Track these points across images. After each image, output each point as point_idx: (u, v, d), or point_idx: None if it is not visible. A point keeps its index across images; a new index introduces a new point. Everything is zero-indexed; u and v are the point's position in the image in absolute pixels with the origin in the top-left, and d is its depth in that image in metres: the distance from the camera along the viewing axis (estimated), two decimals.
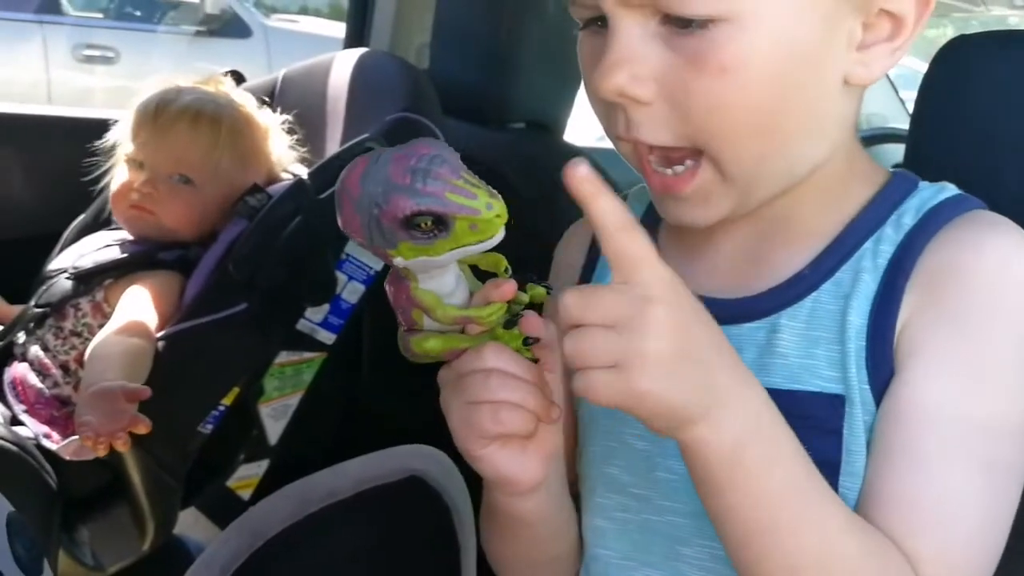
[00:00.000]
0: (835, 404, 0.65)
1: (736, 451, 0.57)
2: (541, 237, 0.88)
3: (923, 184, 0.72)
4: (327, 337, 1.41)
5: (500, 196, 0.58)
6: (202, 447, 1.36)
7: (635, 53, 0.63)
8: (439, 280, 0.62)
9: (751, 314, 0.70)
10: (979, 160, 0.84)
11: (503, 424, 0.62)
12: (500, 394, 0.62)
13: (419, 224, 0.57)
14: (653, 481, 0.72)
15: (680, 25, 0.61)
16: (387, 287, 0.65)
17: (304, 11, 8.36)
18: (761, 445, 0.58)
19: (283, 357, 1.40)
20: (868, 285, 0.67)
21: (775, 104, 0.63)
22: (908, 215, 0.69)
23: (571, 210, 0.72)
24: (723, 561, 0.69)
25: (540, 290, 0.65)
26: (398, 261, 0.59)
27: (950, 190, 0.71)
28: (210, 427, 1.35)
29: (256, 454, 1.44)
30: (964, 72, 0.88)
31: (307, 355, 1.41)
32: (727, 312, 0.67)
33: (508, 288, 0.62)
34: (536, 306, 0.66)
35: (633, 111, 0.64)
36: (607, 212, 0.55)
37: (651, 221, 0.78)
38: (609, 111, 0.66)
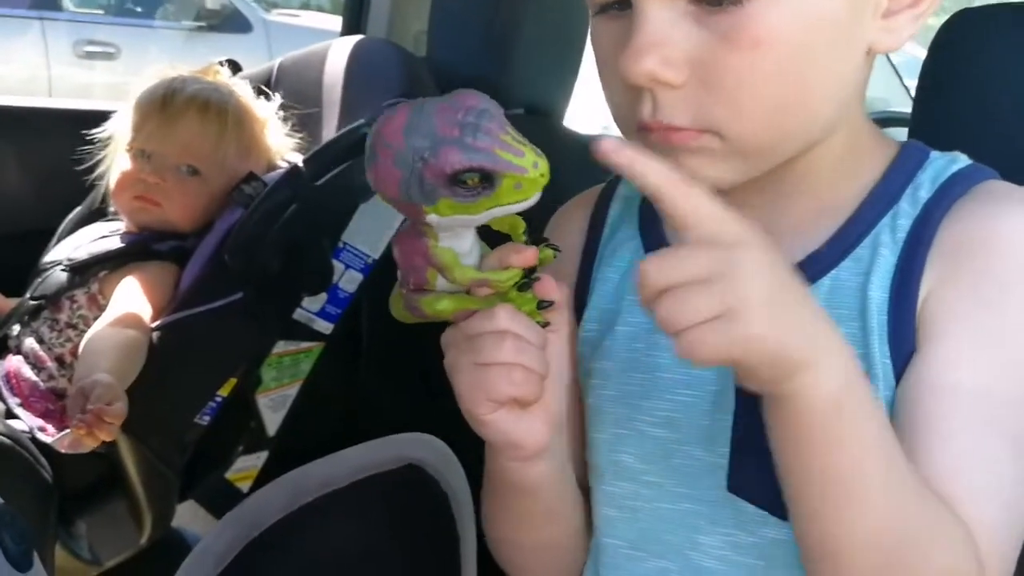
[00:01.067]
0: None
1: (839, 400, 0.55)
2: (542, 223, 0.86)
3: (934, 154, 0.71)
4: (325, 327, 1.40)
5: (544, 155, 0.56)
6: (200, 438, 1.35)
7: (666, 35, 0.61)
8: (459, 240, 0.61)
9: None
10: (986, 128, 0.83)
11: (517, 386, 0.61)
12: (514, 357, 0.61)
13: (466, 180, 0.55)
14: (670, 469, 0.71)
15: (713, 2, 0.60)
16: (395, 245, 0.63)
17: (306, 6, 8.35)
18: (858, 396, 0.56)
19: (281, 347, 1.38)
20: (887, 259, 0.66)
21: (804, 76, 0.62)
22: (924, 187, 0.68)
23: (570, 177, 0.70)
24: (742, 550, 0.69)
25: (549, 252, 0.63)
26: (432, 218, 0.58)
27: (962, 160, 0.70)
28: (207, 418, 1.34)
29: (255, 445, 1.43)
30: (968, 43, 0.87)
31: (305, 345, 1.40)
32: None
33: (530, 254, 0.61)
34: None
35: (663, 95, 0.62)
36: (662, 173, 0.53)
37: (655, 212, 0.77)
38: (633, 98, 0.63)
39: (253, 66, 1.69)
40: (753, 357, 0.53)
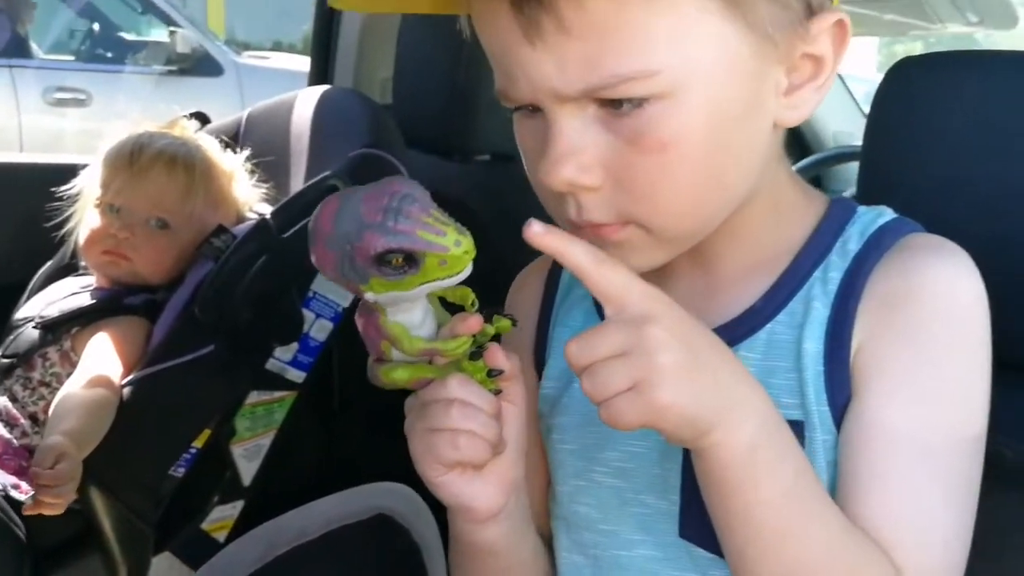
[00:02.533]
0: (795, 430, 0.66)
1: (751, 450, 0.59)
2: (507, 263, 0.89)
3: (861, 209, 0.74)
4: (297, 376, 1.41)
5: (469, 233, 0.60)
6: (175, 490, 1.35)
7: (578, 143, 0.63)
8: (408, 313, 0.64)
9: None
10: (927, 170, 0.86)
11: (460, 451, 0.64)
12: (460, 423, 0.64)
13: (390, 260, 0.59)
14: (625, 517, 0.74)
15: (616, 107, 0.62)
16: (357, 319, 0.67)
17: (278, 47, 8.39)
18: (772, 443, 0.61)
19: (254, 397, 1.39)
20: (820, 312, 0.69)
21: (715, 166, 0.64)
22: (852, 240, 0.71)
23: None
24: None
25: (505, 322, 0.67)
26: (369, 296, 0.61)
27: (888, 214, 0.73)
28: (182, 470, 1.34)
29: (230, 495, 1.43)
30: (910, 90, 0.90)
31: (278, 394, 1.41)
32: None
33: (474, 322, 0.64)
34: (500, 338, 0.67)
35: (583, 197, 0.65)
36: (580, 254, 0.59)
37: None
38: (558, 198, 0.66)
39: (226, 107, 1.71)
40: (668, 422, 0.58)
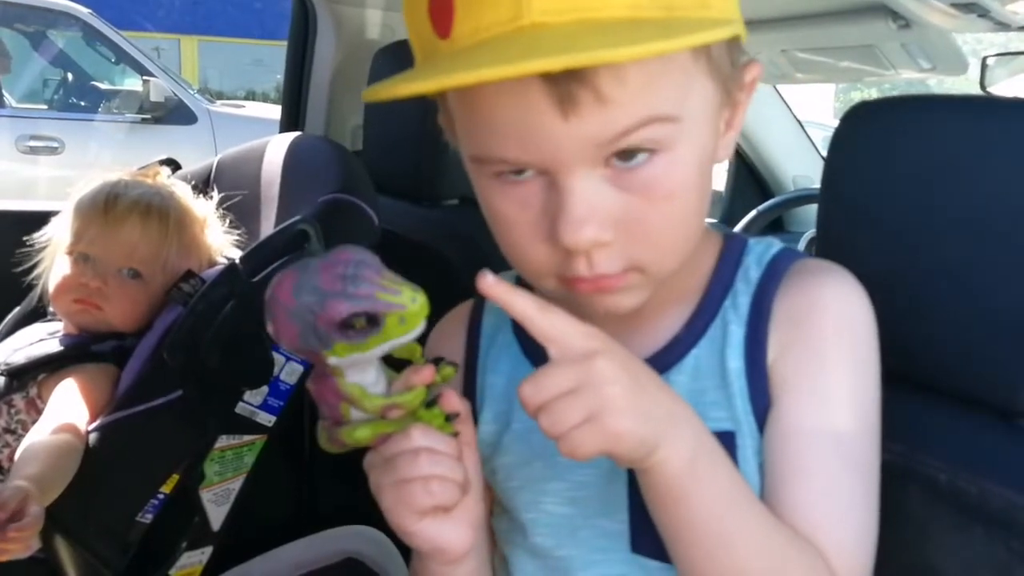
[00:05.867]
0: (727, 439, 0.73)
1: (692, 461, 0.65)
2: (476, 292, 0.90)
3: (751, 241, 0.82)
4: (267, 419, 1.40)
5: (421, 290, 0.64)
6: (143, 536, 1.34)
7: (595, 203, 0.66)
8: (364, 373, 0.67)
9: None
10: (883, 211, 0.89)
11: (435, 496, 0.68)
12: (430, 469, 0.67)
13: (354, 324, 0.62)
14: (578, 541, 0.78)
15: (626, 160, 0.65)
16: (310, 385, 0.69)
17: (251, 96, 8.44)
18: (707, 453, 0.67)
19: (223, 441, 1.39)
20: (737, 333, 0.76)
21: (702, 208, 0.72)
22: (752, 269, 0.79)
23: (505, 268, 0.75)
24: None
25: (450, 369, 0.70)
26: (332, 360, 0.64)
27: (776, 244, 0.82)
28: (150, 516, 1.33)
29: (199, 541, 1.42)
30: (866, 132, 0.92)
31: (247, 438, 1.41)
32: None
33: (427, 372, 0.68)
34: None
35: (596, 253, 0.68)
36: (524, 304, 0.63)
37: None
38: (560, 257, 0.68)
39: (199, 155, 1.72)
40: (623, 446, 0.63)
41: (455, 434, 0.70)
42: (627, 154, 0.65)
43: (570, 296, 0.71)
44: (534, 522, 0.79)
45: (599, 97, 0.62)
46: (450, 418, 0.70)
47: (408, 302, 0.63)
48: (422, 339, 0.67)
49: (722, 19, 0.66)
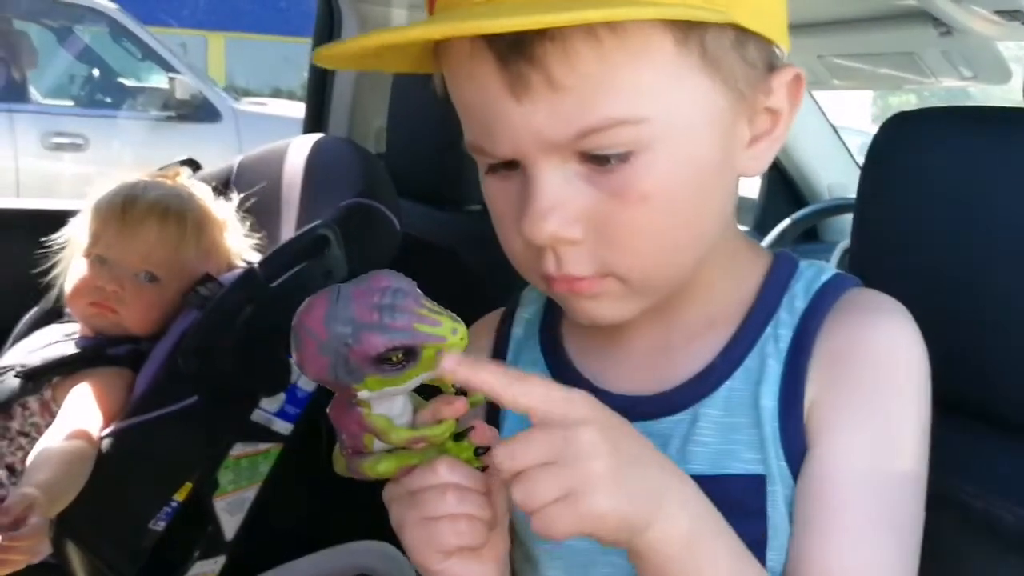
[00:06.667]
0: (757, 484, 0.68)
1: (689, 541, 0.60)
2: (499, 299, 0.88)
3: (803, 264, 0.76)
4: (284, 427, 1.38)
5: (461, 320, 0.59)
6: (155, 545, 1.32)
7: (561, 197, 0.63)
8: (391, 404, 0.62)
9: (672, 407, 0.72)
10: (921, 223, 0.86)
11: (464, 537, 0.63)
12: (458, 508, 0.63)
13: (390, 358, 0.58)
14: None
15: (600, 162, 0.62)
16: (330, 412, 0.64)
17: (277, 93, 8.46)
18: (707, 528, 0.61)
19: (238, 449, 1.36)
20: (774, 369, 0.71)
21: (690, 215, 0.66)
22: (799, 297, 0.73)
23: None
24: None
25: (479, 396, 0.65)
26: (363, 394, 0.60)
27: (828, 270, 0.75)
28: (162, 524, 1.31)
29: (211, 550, 1.39)
30: (903, 144, 0.90)
31: (263, 446, 1.38)
32: (648, 408, 0.72)
33: (460, 405, 0.63)
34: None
35: (564, 250, 0.65)
36: (490, 380, 0.57)
37: (551, 320, 0.80)
38: (534, 252, 0.66)
39: (223, 153, 1.70)
40: (603, 529, 0.57)
41: (483, 468, 0.65)
42: (599, 156, 0.62)
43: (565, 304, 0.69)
44: (549, 554, 0.75)
45: (550, 81, 0.60)
46: (479, 451, 0.64)
47: (448, 334, 0.58)
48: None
49: (720, 8, 0.61)
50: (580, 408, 0.58)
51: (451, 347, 0.58)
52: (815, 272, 0.74)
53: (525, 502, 0.56)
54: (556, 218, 0.63)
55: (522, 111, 0.61)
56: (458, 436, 0.64)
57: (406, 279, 0.60)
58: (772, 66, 0.67)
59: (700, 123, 0.64)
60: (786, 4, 0.69)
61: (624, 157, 0.62)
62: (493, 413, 0.81)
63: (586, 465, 0.56)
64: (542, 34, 0.59)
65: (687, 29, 0.61)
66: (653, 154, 0.62)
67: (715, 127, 0.64)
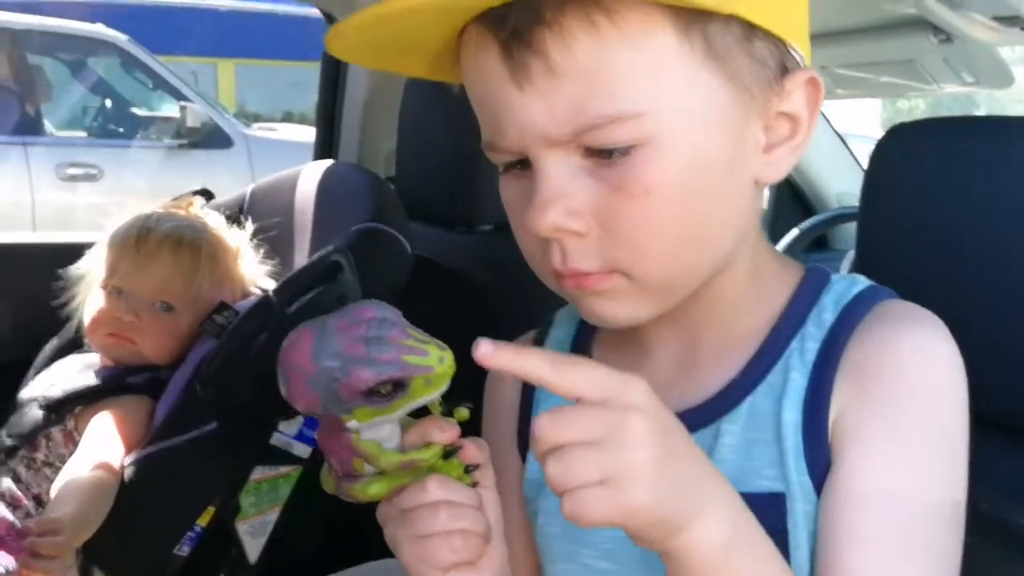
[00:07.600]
0: (777, 502, 0.67)
1: (725, 549, 0.58)
2: (511, 332, 0.88)
3: (835, 277, 0.74)
4: (303, 450, 1.39)
5: (447, 347, 0.60)
6: (180, 570, 1.33)
7: (565, 188, 0.64)
8: (379, 429, 0.63)
9: (695, 423, 0.70)
10: (923, 233, 0.87)
11: (460, 552, 0.64)
12: (451, 524, 0.63)
13: (379, 390, 0.58)
14: None
15: (603, 156, 0.63)
16: (319, 437, 0.65)
17: (288, 117, 8.51)
18: (746, 543, 0.60)
19: (259, 473, 1.38)
20: (798, 383, 0.69)
21: (698, 214, 0.65)
22: (827, 310, 0.71)
23: (542, 295, 0.73)
24: None
25: (464, 412, 0.66)
26: (352, 424, 0.61)
27: (862, 282, 0.73)
28: (187, 549, 1.32)
29: (236, 573, 1.41)
30: (905, 154, 0.91)
31: (283, 469, 1.39)
32: None
33: (452, 433, 0.64)
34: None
35: (569, 243, 0.65)
36: (537, 364, 0.55)
37: (584, 339, 0.80)
38: (544, 247, 0.66)
39: (236, 178, 1.73)
40: (638, 521, 0.55)
41: (474, 485, 0.66)
42: (603, 150, 0.62)
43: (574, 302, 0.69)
44: (572, 573, 0.75)
45: (549, 68, 0.61)
46: (469, 469, 0.65)
47: (435, 363, 0.59)
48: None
49: (725, 4, 0.60)
50: (636, 393, 0.55)
51: (438, 376, 0.59)
52: (847, 284, 0.72)
53: (560, 479, 0.54)
54: (558, 209, 0.63)
55: (524, 100, 0.62)
56: (447, 454, 0.64)
57: (391, 308, 0.60)
58: (786, 68, 0.66)
59: (704, 118, 0.63)
60: (807, 8, 0.69)
61: (626, 151, 0.62)
62: (526, 404, 0.81)
63: (631, 452, 0.53)
64: (541, 21, 0.60)
65: (689, 20, 0.61)
66: (655, 148, 0.62)
67: (721, 124, 0.64)
